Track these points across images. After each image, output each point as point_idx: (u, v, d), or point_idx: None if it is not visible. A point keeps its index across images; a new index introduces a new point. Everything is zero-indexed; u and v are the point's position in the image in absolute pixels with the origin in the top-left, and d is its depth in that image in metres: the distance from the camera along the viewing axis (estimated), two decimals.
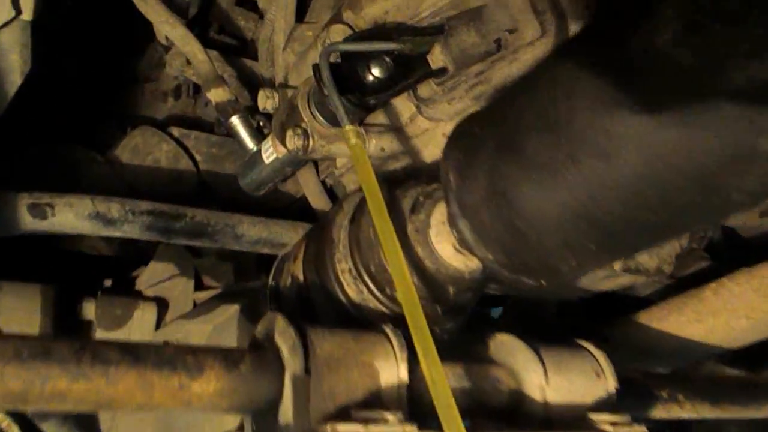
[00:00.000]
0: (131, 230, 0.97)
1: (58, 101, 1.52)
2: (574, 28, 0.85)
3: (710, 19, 0.39)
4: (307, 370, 0.59)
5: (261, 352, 0.62)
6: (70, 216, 0.93)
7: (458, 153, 0.60)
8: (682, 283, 1.29)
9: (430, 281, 0.72)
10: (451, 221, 0.61)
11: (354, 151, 0.72)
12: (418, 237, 0.71)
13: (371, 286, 0.74)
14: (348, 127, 0.72)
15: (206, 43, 1.59)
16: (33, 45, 0.86)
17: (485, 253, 0.59)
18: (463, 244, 0.63)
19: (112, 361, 0.53)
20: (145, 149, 1.43)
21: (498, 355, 0.75)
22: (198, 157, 1.53)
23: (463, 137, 0.60)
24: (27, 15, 0.79)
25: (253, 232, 1.05)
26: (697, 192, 0.45)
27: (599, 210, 0.50)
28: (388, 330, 0.66)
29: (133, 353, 0.54)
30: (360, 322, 0.77)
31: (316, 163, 1.31)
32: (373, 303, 0.75)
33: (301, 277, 0.83)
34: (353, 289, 0.76)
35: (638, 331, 1.21)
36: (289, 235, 1.08)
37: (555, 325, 1.49)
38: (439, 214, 0.70)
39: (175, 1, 1.34)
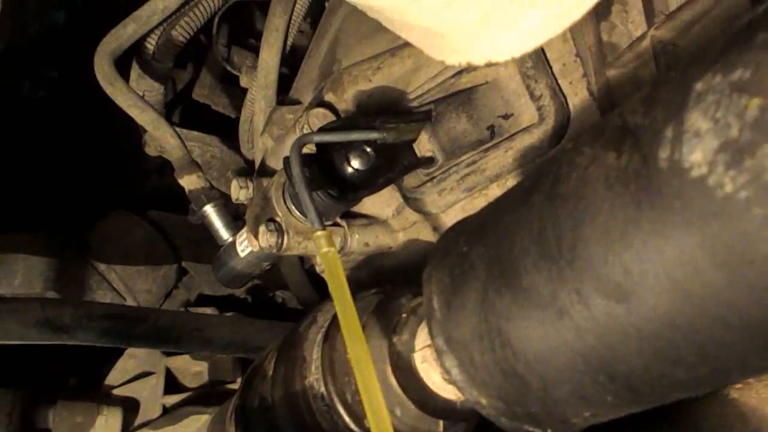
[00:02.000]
0: (86, 337, 0.86)
1: (33, 180, 1.45)
2: (575, 113, 0.77)
3: (760, 138, 0.30)
4: None
5: None
6: (14, 324, 0.82)
7: (442, 275, 0.50)
8: None
9: (415, 414, 0.61)
10: (437, 354, 0.51)
11: (325, 261, 0.62)
12: (401, 362, 0.60)
13: (346, 418, 0.63)
14: (319, 233, 0.63)
15: (189, 122, 1.52)
16: None
17: (477, 397, 0.48)
18: (450, 380, 0.52)
19: None
20: (118, 234, 1.34)
21: None
22: (177, 242, 1.44)
23: (448, 255, 0.50)
24: None
25: (223, 335, 0.94)
26: (748, 345, 0.35)
27: (617, 361, 0.39)
28: None
29: None
30: None
31: None
32: None
33: (269, 400, 0.72)
34: (326, 419, 0.65)
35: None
36: (264, 336, 0.97)
37: None
38: (426, 335, 0.60)
39: (156, 78, 1.27)
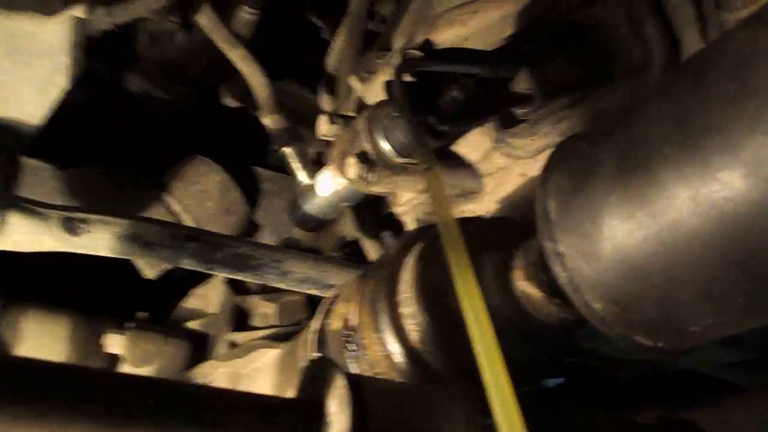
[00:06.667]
0: (170, 256, 0.88)
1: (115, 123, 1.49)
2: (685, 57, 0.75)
3: None
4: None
5: (303, 405, 0.51)
6: (105, 235, 0.85)
7: (562, 177, 0.49)
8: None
9: (510, 333, 0.60)
10: (547, 260, 0.50)
11: (428, 177, 0.62)
12: (498, 280, 0.60)
13: (438, 335, 0.63)
14: (422, 150, 0.63)
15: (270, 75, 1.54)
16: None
17: (590, 301, 0.47)
18: (557, 289, 0.51)
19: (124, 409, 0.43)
20: (193, 178, 1.37)
21: None
22: (250, 193, 1.45)
23: (568, 158, 0.49)
24: (80, 11, 0.73)
25: (300, 270, 0.95)
26: None
27: (759, 251, 0.38)
28: (460, 388, 0.54)
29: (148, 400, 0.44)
30: (424, 377, 0.66)
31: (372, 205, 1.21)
32: (440, 356, 0.64)
33: (353, 322, 0.72)
34: (417, 338, 0.65)
35: (721, 421, 1.05)
36: (340, 276, 0.97)
37: (625, 401, 1.34)
38: (524, 254, 0.59)
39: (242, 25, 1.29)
